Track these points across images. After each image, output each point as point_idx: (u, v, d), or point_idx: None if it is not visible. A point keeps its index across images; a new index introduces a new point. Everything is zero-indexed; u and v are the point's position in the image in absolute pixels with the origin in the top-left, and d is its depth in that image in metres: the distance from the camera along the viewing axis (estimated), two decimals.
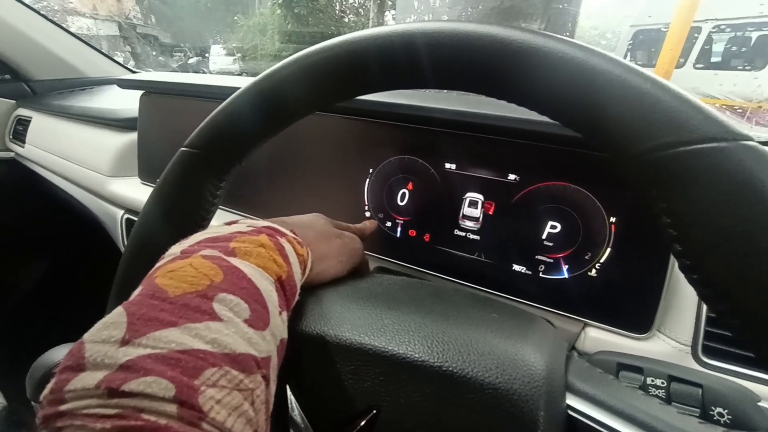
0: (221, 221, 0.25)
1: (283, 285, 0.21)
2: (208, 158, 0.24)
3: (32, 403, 0.40)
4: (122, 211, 0.73)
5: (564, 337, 0.40)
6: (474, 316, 0.22)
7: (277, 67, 0.22)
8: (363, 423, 0.19)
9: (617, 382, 0.20)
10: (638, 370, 0.26)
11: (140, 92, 0.71)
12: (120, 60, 1.19)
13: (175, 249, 0.21)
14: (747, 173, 0.14)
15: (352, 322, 0.21)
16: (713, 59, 4.40)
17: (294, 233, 0.26)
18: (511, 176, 0.41)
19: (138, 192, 0.71)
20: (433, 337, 0.20)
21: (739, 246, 0.14)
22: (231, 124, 0.23)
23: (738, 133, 0.14)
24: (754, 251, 0.14)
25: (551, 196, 0.39)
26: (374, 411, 0.19)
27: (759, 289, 0.13)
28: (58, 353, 0.41)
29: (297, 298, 0.23)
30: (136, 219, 0.73)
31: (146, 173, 0.73)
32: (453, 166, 0.44)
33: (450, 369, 0.18)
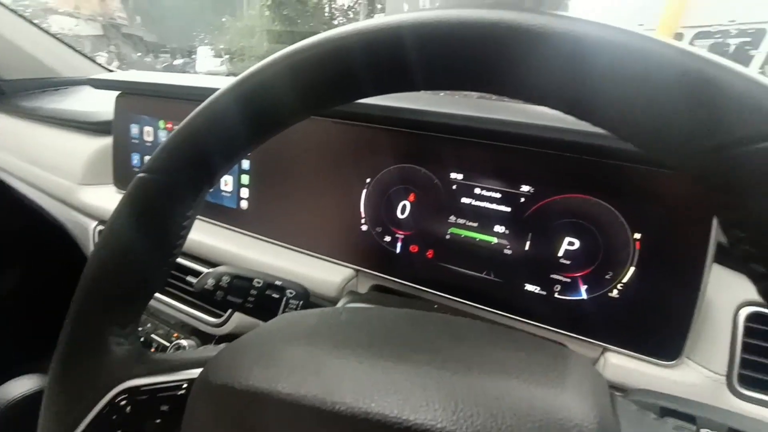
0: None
1: None
2: (171, 185, 0.19)
3: None
4: (95, 222, 0.68)
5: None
6: (500, 358, 0.18)
7: (252, 71, 0.18)
8: None
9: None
10: (690, 418, 0.23)
11: (116, 93, 0.66)
12: (103, 61, 1.13)
13: None
14: None
15: (354, 382, 0.17)
16: None
17: None
18: (525, 188, 0.38)
19: (113, 201, 0.65)
20: (458, 397, 0.16)
21: None
22: (196, 143, 0.19)
23: None
24: None
25: (569, 209, 0.37)
26: None
27: None
28: (17, 386, 0.37)
29: None
30: None
31: (122, 181, 0.69)
32: (459, 176, 0.41)
33: None
